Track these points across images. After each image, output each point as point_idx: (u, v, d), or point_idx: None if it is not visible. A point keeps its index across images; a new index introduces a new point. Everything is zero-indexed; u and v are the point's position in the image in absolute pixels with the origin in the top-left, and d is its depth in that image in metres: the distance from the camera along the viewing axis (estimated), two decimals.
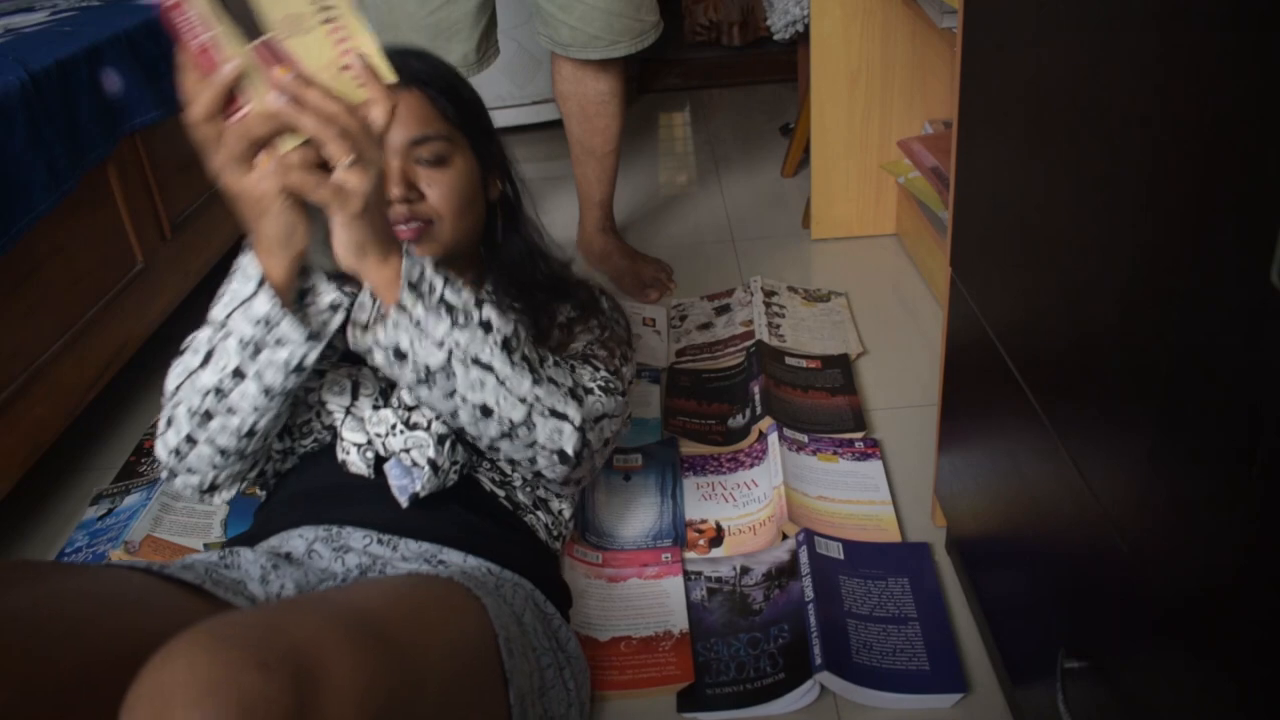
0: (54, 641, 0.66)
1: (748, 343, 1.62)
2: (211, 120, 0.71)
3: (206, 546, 1.28)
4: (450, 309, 0.84)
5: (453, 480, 0.96)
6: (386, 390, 1.01)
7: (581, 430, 0.93)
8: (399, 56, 0.82)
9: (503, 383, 0.87)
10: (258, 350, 0.85)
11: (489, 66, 1.74)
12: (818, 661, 1.00)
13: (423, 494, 0.93)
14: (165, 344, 1.80)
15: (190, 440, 0.92)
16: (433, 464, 0.93)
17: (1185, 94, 0.53)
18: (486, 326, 0.86)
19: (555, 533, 1.09)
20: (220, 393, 0.87)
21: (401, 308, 0.81)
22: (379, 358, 0.83)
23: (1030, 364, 0.83)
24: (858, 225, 2.03)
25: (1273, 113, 0.46)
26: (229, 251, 1.98)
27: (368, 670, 0.60)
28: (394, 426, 0.94)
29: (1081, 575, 0.74)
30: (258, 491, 1.07)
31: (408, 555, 0.93)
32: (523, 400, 0.89)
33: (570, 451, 0.93)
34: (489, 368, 0.86)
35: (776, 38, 2.19)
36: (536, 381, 0.90)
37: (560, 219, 2.21)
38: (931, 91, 1.90)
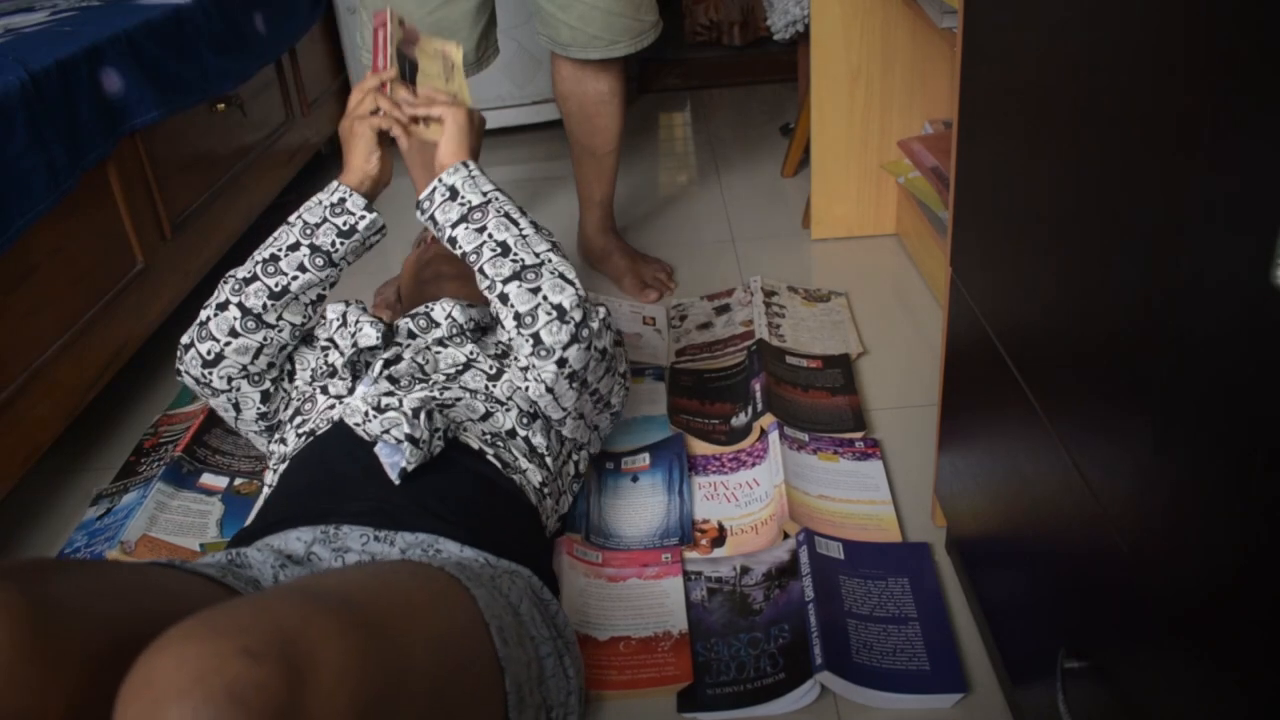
0: (87, 623, 0.67)
1: (748, 342, 1.62)
2: (366, 91, 1.18)
3: (203, 546, 1.28)
4: (501, 188, 1.12)
5: (438, 447, 1.01)
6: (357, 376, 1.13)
7: (581, 298, 1.06)
8: None
9: (524, 236, 1.08)
10: (320, 225, 1.14)
11: (489, 66, 1.74)
12: (818, 661, 1.00)
13: (410, 468, 0.98)
14: (165, 344, 1.81)
15: (222, 307, 1.13)
16: (411, 439, 0.98)
17: (1186, 93, 0.53)
18: (523, 210, 1.11)
19: (547, 489, 1.12)
20: (274, 259, 1.13)
21: (465, 164, 1.12)
22: (437, 196, 1.11)
23: (1030, 364, 0.83)
24: (858, 225, 2.03)
25: (1274, 112, 0.46)
26: (229, 251, 1.98)
27: (357, 656, 0.61)
28: (367, 414, 1.00)
29: (1081, 575, 0.74)
30: (257, 485, 1.09)
31: (405, 548, 0.94)
32: (537, 255, 1.07)
33: (568, 306, 1.05)
34: (516, 223, 1.09)
35: (776, 38, 2.19)
36: (553, 250, 1.08)
37: (560, 219, 2.21)
38: (931, 91, 1.90)
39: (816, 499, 1.28)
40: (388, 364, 1.14)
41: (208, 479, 1.39)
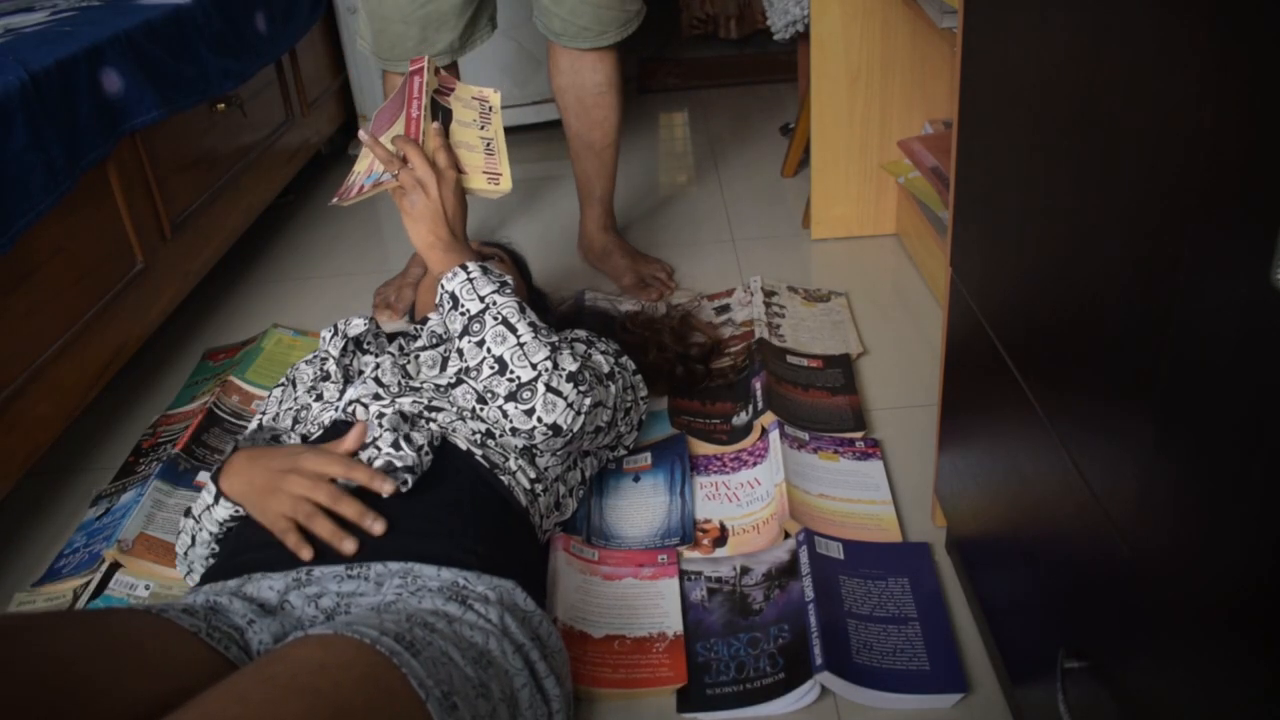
0: (61, 698, 0.69)
1: (748, 341, 1.62)
2: (390, 155, 1.15)
3: None
4: (503, 284, 1.11)
5: (428, 463, 1.03)
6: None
7: (575, 409, 1.07)
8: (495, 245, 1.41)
9: (521, 345, 1.07)
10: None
11: (472, 50, 1.76)
12: (818, 661, 1.00)
13: (405, 490, 0.99)
14: (165, 344, 1.81)
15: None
16: (409, 469, 1.00)
17: (1186, 93, 0.53)
18: (523, 308, 1.10)
19: (541, 488, 1.13)
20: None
21: (465, 267, 1.11)
22: (445, 303, 1.11)
23: (1030, 364, 0.83)
24: (858, 225, 2.03)
25: (1274, 111, 0.46)
26: (229, 251, 1.98)
27: None
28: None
29: (1081, 575, 0.74)
30: None
31: (380, 579, 0.94)
32: (534, 366, 1.06)
33: (563, 425, 1.07)
34: (514, 329, 1.07)
35: (776, 37, 2.19)
36: (550, 356, 1.07)
37: (561, 218, 2.21)
38: (931, 91, 1.90)
39: (817, 498, 1.28)
40: (376, 368, 1.17)
41: (204, 477, 1.39)
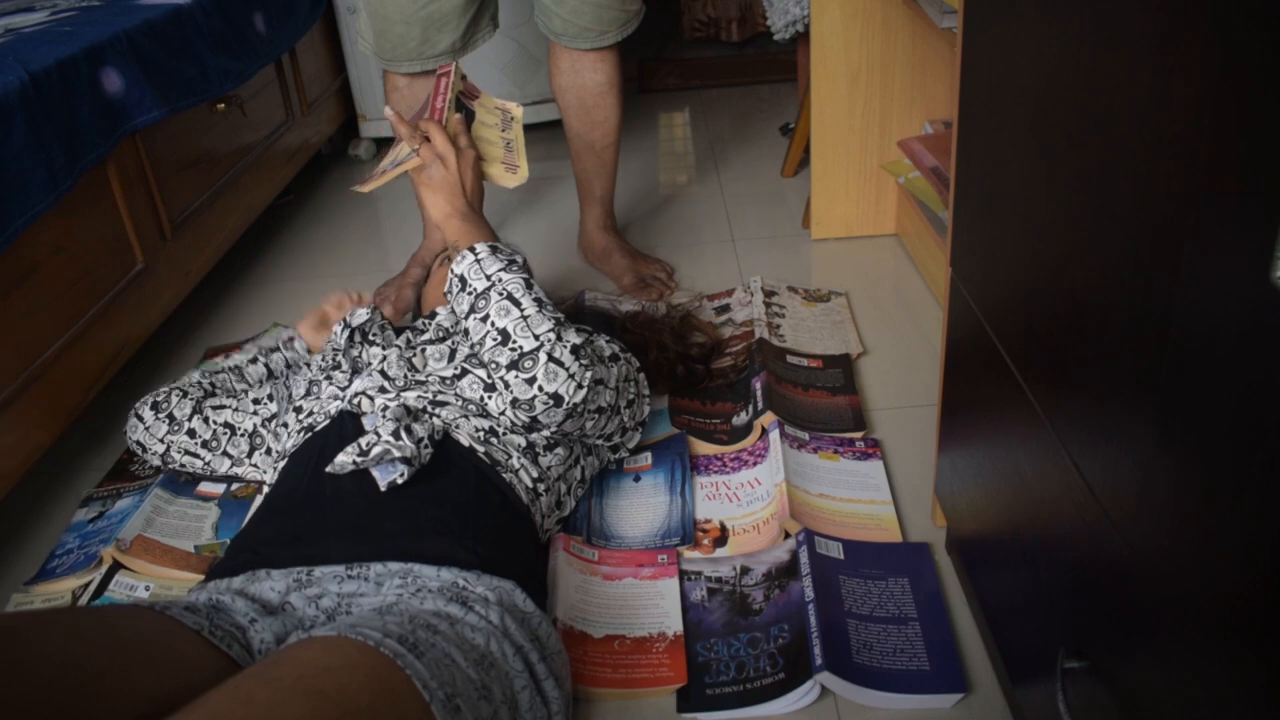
0: (67, 695, 0.70)
1: (748, 341, 1.62)
2: (413, 130, 1.24)
3: (197, 548, 1.28)
4: (510, 262, 1.12)
5: (427, 456, 1.04)
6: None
7: (577, 380, 1.07)
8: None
9: (525, 317, 1.07)
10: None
11: (473, 50, 1.76)
12: (818, 662, 1.00)
13: (401, 481, 1.00)
14: (165, 344, 1.81)
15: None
16: (405, 460, 1.01)
17: (1186, 93, 0.53)
18: (529, 284, 1.11)
19: (543, 487, 1.13)
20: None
21: (474, 249, 1.13)
22: (454, 288, 1.13)
23: (1030, 364, 0.83)
24: (858, 225, 2.03)
25: (1274, 111, 0.46)
26: (229, 251, 1.98)
27: None
28: (355, 462, 1.01)
29: (1081, 575, 0.74)
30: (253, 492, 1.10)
31: (380, 579, 0.94)
32: (537, 337, 1.06)
33: (565, 394, 1.06)
34: (518, 303, 1.08)
35: (776, 37, 2.19)
36: (554, 329, 1.07)
37: (561, 218, 2.21)
38: (931, 91, 1.90)
39: (817, 498, 1.28)
40: (383, 360, 1.18)
41: (205, 486, 1.39)
